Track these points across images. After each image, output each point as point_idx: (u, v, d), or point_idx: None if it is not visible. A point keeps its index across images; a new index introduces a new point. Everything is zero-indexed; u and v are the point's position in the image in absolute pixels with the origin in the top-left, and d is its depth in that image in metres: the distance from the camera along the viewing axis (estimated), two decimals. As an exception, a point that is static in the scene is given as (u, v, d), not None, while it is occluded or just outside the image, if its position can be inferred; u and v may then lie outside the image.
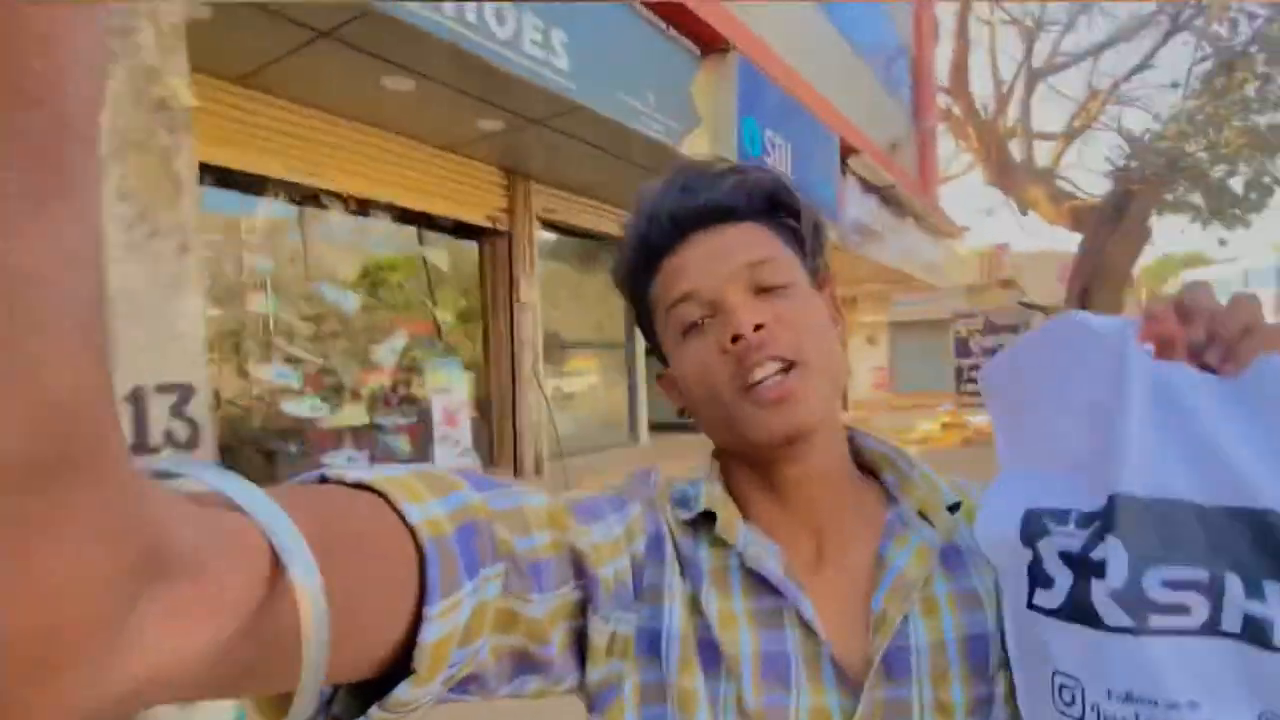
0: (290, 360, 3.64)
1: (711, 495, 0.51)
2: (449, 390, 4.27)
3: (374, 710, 0.32)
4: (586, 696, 0.47)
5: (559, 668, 0.44)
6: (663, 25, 4.06)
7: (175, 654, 0.21)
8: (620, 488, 0.53)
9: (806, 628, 0.46)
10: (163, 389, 1.32)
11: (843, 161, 6.18)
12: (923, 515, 0.50)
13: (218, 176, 3.13)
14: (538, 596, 0.40)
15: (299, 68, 2.96)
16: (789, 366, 0.47)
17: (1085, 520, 0.40)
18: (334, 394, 3.85)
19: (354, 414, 3.96)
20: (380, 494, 0.33)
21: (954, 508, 0.51)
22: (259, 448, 3.55)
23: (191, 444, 1.39)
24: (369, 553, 0.30)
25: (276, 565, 0.26)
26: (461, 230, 4.42)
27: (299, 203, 3.66)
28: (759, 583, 0.48)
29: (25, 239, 0.15)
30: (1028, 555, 0.42)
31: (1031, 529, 0.42)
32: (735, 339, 0.47)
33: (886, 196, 7.37)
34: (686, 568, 0.49)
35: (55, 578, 0.17)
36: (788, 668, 0.46)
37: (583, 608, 0.44)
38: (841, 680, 0.45)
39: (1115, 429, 0.40)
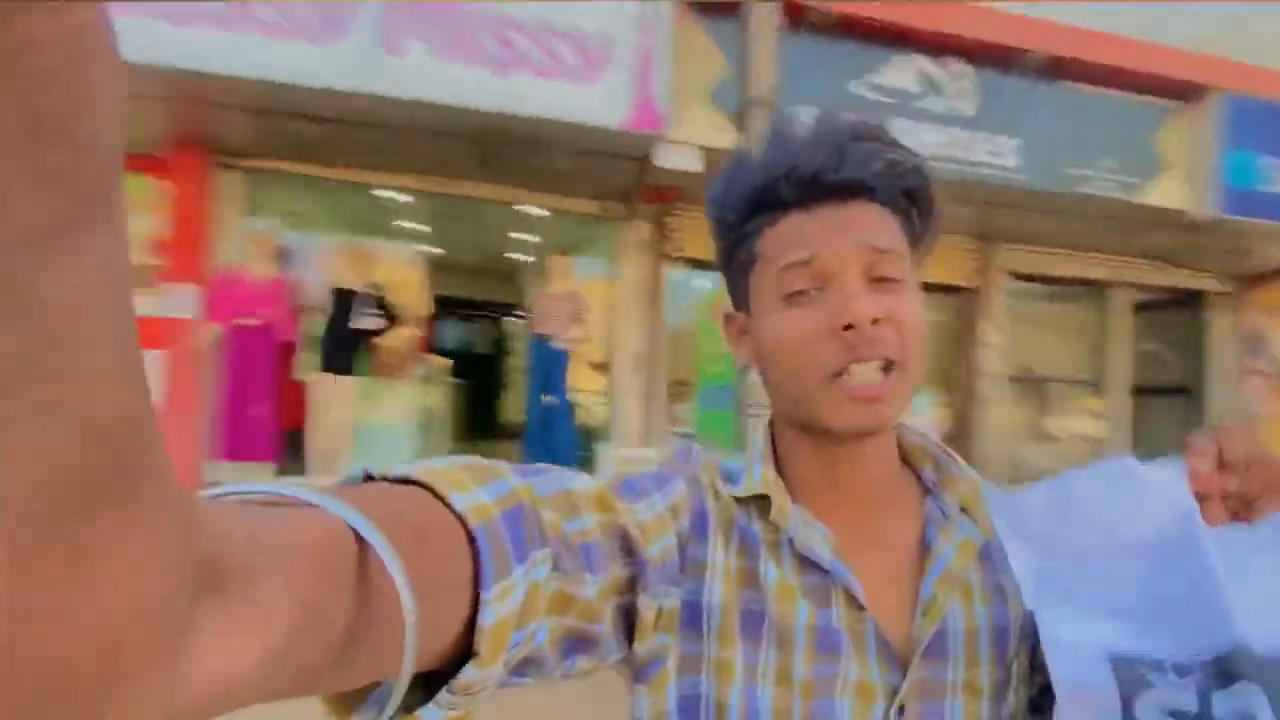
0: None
1: (765, 478, 0.52)
2: (918, 413, 5.55)
3: (442, 695, 0.32)
4: (631, 668, 0.49)
5: (608, 644, 0.45)
6: (1118, 93, 4.55)
7: (233, 666, 0.21)
8: (663, 464, 0.54)
9: (853, 604, 0.48)
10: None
11: None
12: (964, 510, 0.52)
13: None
14: (590, 577, 0.41)
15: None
16: (889, 367, 0.47)
17: (1181, 671, 0.40)
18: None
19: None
20: (426, 487, 0.33)
21: None
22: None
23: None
24: (431, 544, 0.31)
25: (354, 559, 0.27)
26: (937, 289, 5.64)
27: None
28: (809, 561, 0.49)
29: (53, 269, 0.15)
30: (1117, 708, 0.40)
31: (1125, 678, 0.41)
32: (848, 327, 0.46)
33: None
34: (738, 541, 0.51)
35: (114, 601, 0.17)
36: (839, 641, 0.47)
37: (632, 584, 0.45)
38: (886, 656, 0.47)
39: (1200, 579, 0.41)
